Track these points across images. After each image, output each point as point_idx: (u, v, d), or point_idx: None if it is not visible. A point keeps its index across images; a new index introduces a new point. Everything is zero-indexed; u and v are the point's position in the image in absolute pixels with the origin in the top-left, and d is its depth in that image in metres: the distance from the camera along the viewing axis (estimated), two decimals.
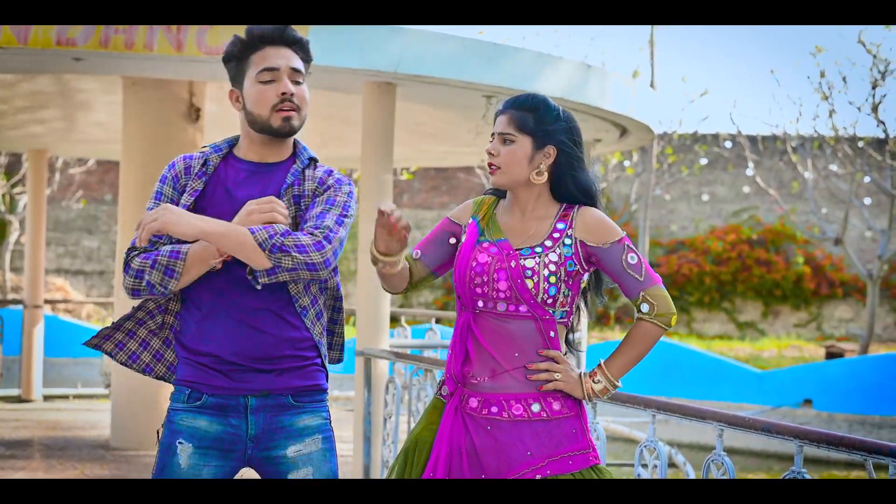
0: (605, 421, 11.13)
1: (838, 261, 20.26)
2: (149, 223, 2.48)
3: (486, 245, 2.67)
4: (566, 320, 2.67)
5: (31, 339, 10.39)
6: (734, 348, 18.09)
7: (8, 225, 18.30)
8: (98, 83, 7.70)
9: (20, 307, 10.96)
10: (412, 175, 19.24)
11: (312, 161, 2.69)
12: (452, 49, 6.33)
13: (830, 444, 2.81)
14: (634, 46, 23.23)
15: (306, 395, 2.64)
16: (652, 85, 16.18)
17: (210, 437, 2.58)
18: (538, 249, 2.63)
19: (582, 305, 2.75)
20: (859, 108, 15.82)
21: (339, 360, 2.81)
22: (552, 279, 2.60)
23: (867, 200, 19.69)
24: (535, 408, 2.61)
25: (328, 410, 2.70)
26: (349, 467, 5.86)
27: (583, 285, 2.70)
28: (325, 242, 2.50)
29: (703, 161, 20.90)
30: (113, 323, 2.67)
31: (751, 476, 11.03)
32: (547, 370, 2.61)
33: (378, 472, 5.64)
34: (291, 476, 2.60)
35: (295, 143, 2.72)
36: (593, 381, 2.64)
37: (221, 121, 8.92)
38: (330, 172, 2.69)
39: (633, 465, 3.64)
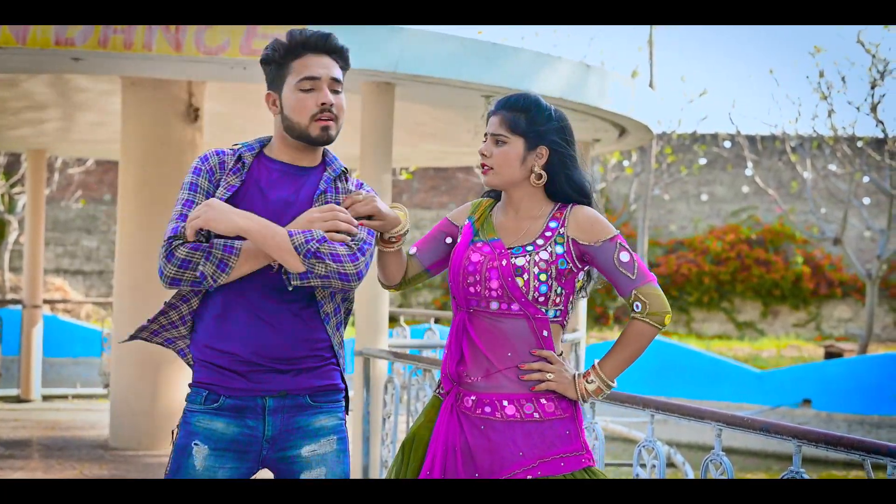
0: (603, 421, 11.13)
1: (837, 261, 20.27)
2: (193, 219, 2.50)
3: (479, 245, 2.69)
4: (561, 320, 2.66)
5: (29, 339, 10.39)
6: (733, 348, 18.09)
7: (7, 225, 18.30)
8: (97, 83, 7.70)
9: (19, 307, 10.96)
10: (411, 175, 19.24)
11: (344, 172, 2.73)
12: (451, 49, 6.33)
13: (829, 443, 2.80)
14: (633, 46, 23.25)
15: (323, 394, 2.65)
16: (651, 85, 16.19)
17: (227, 439, 2.58)
18: (529, 248, 2.64)
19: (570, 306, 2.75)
20: (858, 108, 15.82)
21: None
22: (542, 277, 2.61)
23: (866, 200, 19.70)
24: (528, 408, 2.61)
25: (343, 410, 2.71)
26: None
27: (578, 284, 2.70)
28: (359, 254, 2.55)
29: (702, 161, 20.90)
30: (148, 320, 2.67)
31: (750, 476, 11.03)
32: (539, 370, 2.61)
33: (377, 472, 5.64)
34: (304, 476, 2.61)
35: (325, 151, 2.74)
36: (587, 382, 2.63)
37: (220, 121, 8.92)
38: (360, 185, 2.74)
39: (631, 465, 3.64)
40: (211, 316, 2.62)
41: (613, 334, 18.74)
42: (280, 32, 6.05)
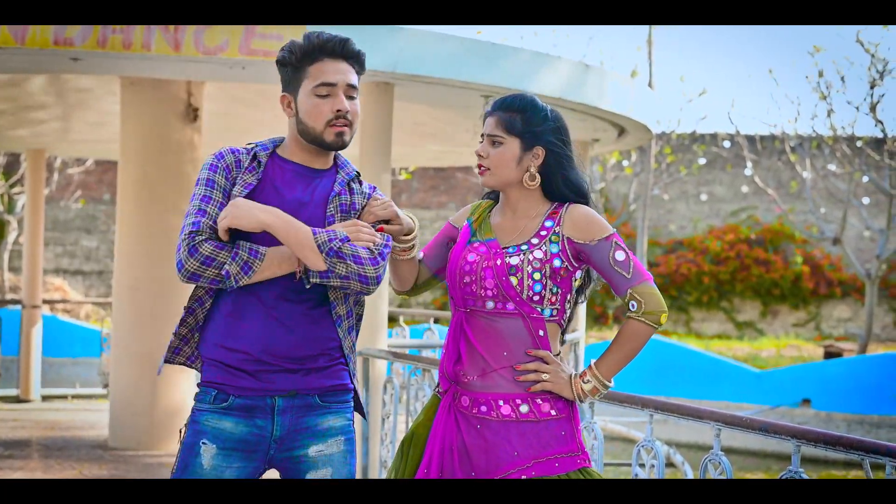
0: (602, 421, 11.13)
1: (837, 260, 20.27)
2: (223, 219, 2.52)
3: (476, 245, 2.70)
4: (557, 319, 2.66)
5: (29, 339, 10.39)
6: (733, 348, 18.10)
7: (6, 225, 18.30)
8: (96, 83, 7.70)
9: (18, 307, 10.96)
10: (410, 175, 19.25)
11: (357, 175, 2.75)
12: (450, 49, 6.33)
13: (827, 443, 2.80)
14: (632, 46, 23.20)
15: (332, 394, 2.66)
16: (650, 84, 16.18)
17: (235, 439, 2.58)
18: (523, 247, 2.64)
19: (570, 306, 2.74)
20: (857, 108, 15.83)
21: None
22: (536, 276, 2.61)
23: (865, 200, 19.70)
24: (524, 408, 2.61)
25: (352, 411, 2.72)
26: None
27: (576, 283, 2.70)
28: (379, 259, 2.57)
29: (702, 161, 20.90)
30: (175, 334, 2.66)
31: (749, 476, 11.04)
32: (535, 370, 2.61)
33: (376, 472, 5.64)
34: (310, 475, 2.62)
35: (336, 154, 2.76)
36: (583, 382, 2.63)
37: (219, 120, 8.92)
38: (374, 189, 2.76)
39: (630, 465, 3.64)
40: (223, 315, 2.62)
41: (612, 334, 18.74)
42: (279, 32, 6.07)
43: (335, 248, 2.51)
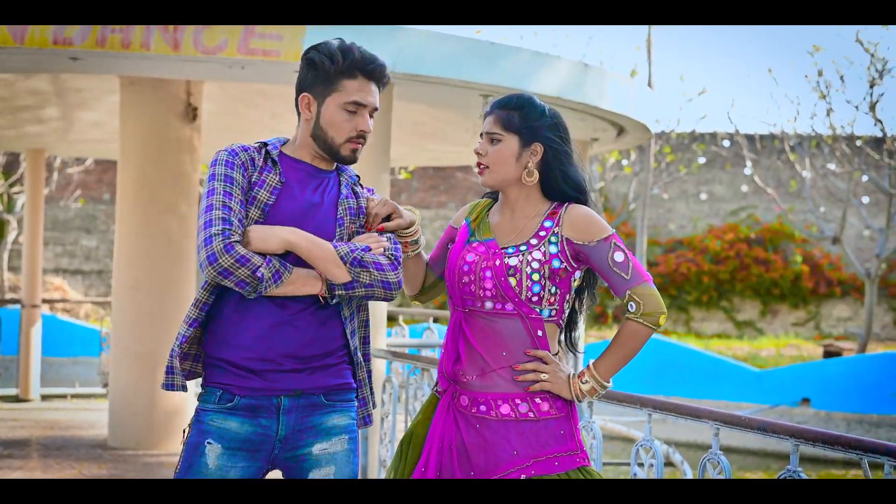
0: (602, 420, 11.14)
1: (836, 260, 20.27)
2: (246, 246, 2.52)
3: (474, 245, 2.71)
4: (557, 319, 2.66)
5: (28, 339, 10.39)
6: (732, 347, 18.10)
7: (6, 224, 18.30)
8: (95, 83, 7.70)
9: (18, 307, 10.96)
10: (410, 174, 19.24)
11: (358, 179, 2.80)
12: (450, 48, 6.33)
13: (826, 443, 2.81)
14: (632, 46, 23.22)
15: (337, 393, 2.66)
16: (650, 84, 16.17)
17: (240, 439, 2.59)
18: (522, 248, 2.65)
19: (576, 305, 2.74)
20: (857, 107, 15.84)
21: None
22: (535, 276, 2.61)
23: (865, 199, 19.71)
24: (523, 408, 2.61)
25: (356, 409, 2.72)
26: None
27: (576, 284, 2.70)
28: (396, 264, 2.64)
29: (701, 160, 20.90)
30: (180, 350, 2.63)
31: (748, 475, 11.04)
32: (534, 370, 2.61)
33: (375, 472, 5.64)
34: (312, 474, 2.62)
35: None
36: (581, 382, 2.63)
37: (219, 120, 8.92)
38: (371, 191, 2.82)
39: (629, 465, 3.64)
40: (229, 314, 2.61)
41: (612, 333, 18.69)
42: (279, 32, 6.06)
43: (357, 257, 2.56)
